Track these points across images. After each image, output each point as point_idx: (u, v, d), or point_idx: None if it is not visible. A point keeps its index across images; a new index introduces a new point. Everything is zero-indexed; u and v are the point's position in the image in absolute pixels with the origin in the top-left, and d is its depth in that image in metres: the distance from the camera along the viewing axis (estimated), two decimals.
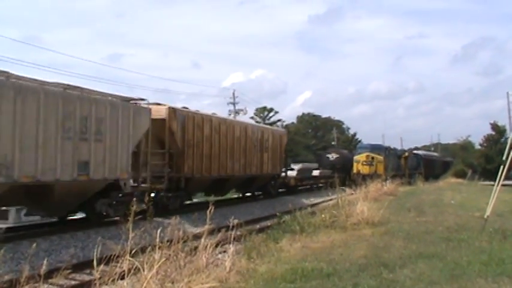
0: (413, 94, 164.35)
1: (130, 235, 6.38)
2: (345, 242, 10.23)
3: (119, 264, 6.34)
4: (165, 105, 18.31)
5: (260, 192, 28.09)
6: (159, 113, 17.41)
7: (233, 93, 62.08)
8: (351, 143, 74.59)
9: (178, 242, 6.92)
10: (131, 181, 15.54)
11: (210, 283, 6.33)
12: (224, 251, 9.10)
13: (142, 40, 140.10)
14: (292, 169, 32.81)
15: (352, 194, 19.83)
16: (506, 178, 11.70)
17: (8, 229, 13.57)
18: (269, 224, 16.37)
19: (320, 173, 36.88)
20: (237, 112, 61.52)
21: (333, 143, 78.54)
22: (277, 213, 15.09)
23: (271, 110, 79.64)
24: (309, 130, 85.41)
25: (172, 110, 18.17)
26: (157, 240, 6.72)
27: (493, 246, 9.06)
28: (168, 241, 6.88)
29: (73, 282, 9.28)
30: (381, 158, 38.90)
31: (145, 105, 16.33)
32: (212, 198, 23.72)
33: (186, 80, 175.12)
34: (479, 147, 59.73)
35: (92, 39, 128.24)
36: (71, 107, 12.77)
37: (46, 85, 12.62)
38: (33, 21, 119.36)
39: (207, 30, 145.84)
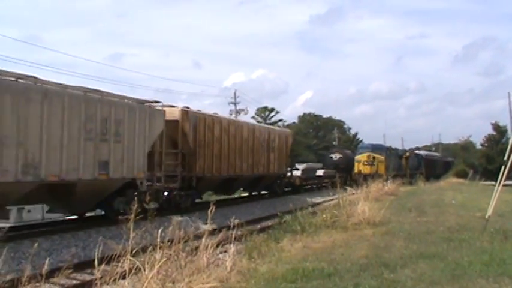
0: (415, 94, 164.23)
1: (132, 235, 6.38)
2: (346, 242, 10.23)
3: (119, 264, 6.33)
4: (178, 107, 19.05)
5: (263, 192, 28.57)
6: (173, 114, 18.00)
7: (234, 93, 62.07)
8: (352, 143, 74.55)
9: (179, 242, 6.92)
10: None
11: (211, 283, 6.34)
12: (225, 251, 9.10)
13: (143, 40, 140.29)
14: (297, 169, 33.46)
15: (353, 194, 19.82)
16: (508, 178, 11.67)
17: (9, 228, 13.57)
18: (270, 223, 16.38)
19: (324, 172, 37.30)
20: (238, 112, 61.49)
21: (334, 143, 78.50)
22: (278, 213, 15.10)
23: (272, 110, 79.65)
24: (310, 130, 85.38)
25: (185, 112, 18.86)
26: (159, 240, 6.72)
27: (494, 246, 9.05)
28: (169, 241, 6.88)
29: (74, 282, 9.29)
30: (382, 158, 38.92)
31: (160, 107, 17.01)
32: (214, 197, 24.00)
33: (187, 80, 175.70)
34: (480, 147, 59.88)
35: (93, 39, 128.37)
36: (92, 110, 13.37)
37: (69, 88, 13.15)
38: (34, 21, 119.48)
39: (208, 30, 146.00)
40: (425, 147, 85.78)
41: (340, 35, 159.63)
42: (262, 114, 78.17)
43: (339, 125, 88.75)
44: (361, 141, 73.18)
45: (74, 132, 12.75)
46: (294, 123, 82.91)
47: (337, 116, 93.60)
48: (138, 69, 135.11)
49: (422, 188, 32.10)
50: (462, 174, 47.76)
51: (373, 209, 13.70)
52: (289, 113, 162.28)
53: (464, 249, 8.89)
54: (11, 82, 11.49)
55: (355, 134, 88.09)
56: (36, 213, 17.68)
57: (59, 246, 12.05)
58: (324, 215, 13.45)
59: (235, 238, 9.12)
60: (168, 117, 17.23)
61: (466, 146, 66.55)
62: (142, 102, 16.23)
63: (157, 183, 16.60)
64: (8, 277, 7.49)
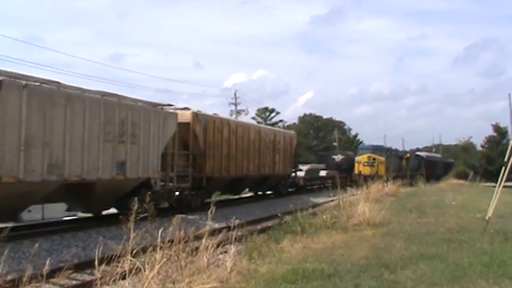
0: (415, 95, 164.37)
1: (132, 235, 6.39)
2: (346, 242, 10.23)
3: (120, 264, 6.34)
4: (189, 109, 19.65)
5: (267, 192, 29.12)
6: (184, 117, 18.62)
7: (235, 94, 62.15)
8: (352, 144, 74.57)
9: (179, 243, 6.92)
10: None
11: (211, 283, 6.34)
12: (225, 252, 9.10)
13: (144, 40, 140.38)
14: (300, 170, 34.06)
15: (353, 194, 19.82)
16: (508, 180, 11.67)
17: (10, 228, 13.57)
18: (270, 224, 16.37)
19: (327, 173, 37.74)
20: (238, 112, 61.55)
21: (334, 144, 78.53)
22: (279, 214, 15.09)
23: (272, 110, 79.70)
24: (310, 131, 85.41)
25: (196, 115, 19.49)
26: (159, 240, 6.72)
27: (495, 247, 9.05)
28: (169, 241, 6.88)
29: (74, 282, 9.28)
30: (382, 159, 38.95)
31: (172, 110, 17.74)
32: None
33: (187, 80, 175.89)
34: (480, 148, 59.75)
35: (93, 39, 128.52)
36: (110, 113, 13.97)
37: (88, 92, 13.69)
38: (34, 21, 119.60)
39: (208, 30, 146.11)
40: (426, 148, 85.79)
41: (341, 35, 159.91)
42: (263, 115, 78.21)
43: (339, 125, 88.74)
44: (361, 142, 73.23)
45: (94, 134, 13.33)
46: (294, 124, 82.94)
47: (337, 117, 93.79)
48: (138, 69, 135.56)
49: (422, 189, 32.11)
50: (462, 176, 47.70)
51: (374, 210, 13.70)
52: (290, 113, 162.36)
53: (465, 250, 8.89)
54: (38, 87, 11.98)
55: (356, 135, 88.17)
56: (36, 213, 17.81)
57: (59, 246, 12.05)
58: (324, 216, 13.45)
59: (235, 239, 9.13)
60: (180, 119, 17.78)
61: (467, 147, 66.43)
62: (156, 105, 16.88)
63: (170, 183, 17.30)
64: (9, 277, 7.48)
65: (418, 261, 7.98)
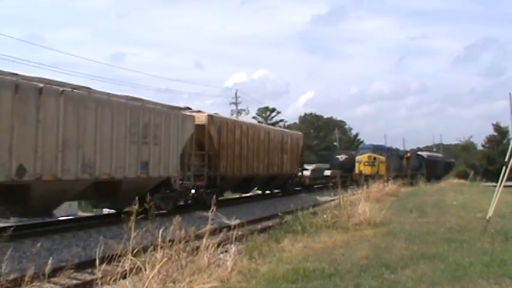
0: (416, 95, 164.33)
1: (132, 234, 6.39)
2: (347, 242, 10.23)
3: (120, 264, 6.34)
4: (204, 112, 20.81)
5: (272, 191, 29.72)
6: (200, 119, 19.65)
7: (235, 93, 62.31)
8: (353, 144, 74.55)
9: (180, 242, 6.93)
10: None
11: (211, 283, 6.34)
12: (226, 251, 9.10)
13: (144, 40, 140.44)
14: (306, 169, 34.90)
15: (354, 194, 19.83)
16: (508, 179, 11.66)
17: (10, 228, 13.59)
18: (271, 224, 16.39)
19: (331, 172, 38.23)
20: (239, 112, 61.61)
21: (334, 143, 78.55)
22: (279, 213, 15.09)
23: (273, 110, 79.79)
24: (311, 130, 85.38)
25: (211, 117, 20.69)
26: (159, 239, 6.72)
27: (495, 247, 9.04)
28: (170, 241, 6.89)
29: (75, 282, 9.29)
30: (383, 158, 38.93)
31: (190, 113, 18.99)
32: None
33: (188, 80, 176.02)
34: (481, 148, 59.78)
35: (94, 39, 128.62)
36: (135, 116, 14.97)
37: (113, 97, 14.69)
38: (35, 21, 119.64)
39: (209, 30, 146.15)
40: (427, 148, 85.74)
41: (341, 35, 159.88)
42: (263, 115, 78.26)
43: (340, 125, 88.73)
44: (362, 141, 73.15)
45: (120, 135, 14.31)
46: (295, 123, 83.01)
47: (338, 117, 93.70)
48: (139, 69, 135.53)
49: (423, 188, 32.07)
50: (463, 175, 47.66)
51: (374, 209, 13.69)
52: (291, 113, 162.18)
53: (465, 250, 8.88)
54: (73, 92, 12.85)
55: (356, 135, 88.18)
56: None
57: (59, 245, 12.05)
58: (324, 215, 13.44)
59: (236, 238, 9.13)
60: (196, 121, 18.80)
61: (467, 147, 66.43)
62: (175, 108, 18.11)
63: (187, 182, 18.43)
64: (12, 276, 7.49)
65: (418, 260, 7.98)
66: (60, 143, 12.14)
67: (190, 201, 19.27)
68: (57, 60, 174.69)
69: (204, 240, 7.63)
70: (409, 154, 48.50)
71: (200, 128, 19.46)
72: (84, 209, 34.85)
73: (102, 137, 13.51)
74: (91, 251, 11.27)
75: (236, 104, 61.62)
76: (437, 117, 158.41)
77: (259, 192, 29.54)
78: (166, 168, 16.46)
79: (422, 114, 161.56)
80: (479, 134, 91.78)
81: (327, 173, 38.72)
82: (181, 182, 17.86)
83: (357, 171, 38.13)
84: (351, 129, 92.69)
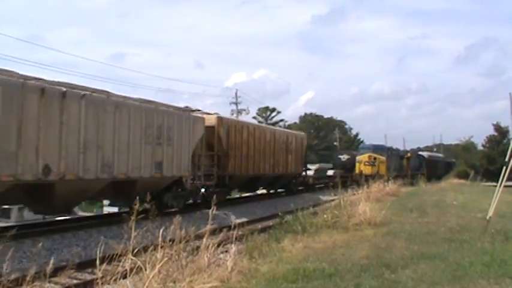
0: (416, 95, 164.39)
1: (133, 234, 6.39)
2: (347, 242, 10.23)
3: (121, 264, 6.34)
4: (213, 114, 21.45)
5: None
6: (210, 121, 20.29)
7: (236, 93, 62.26)
8: (353, 144, 74.52)
9: (180, 242, 6.93)
10: None
11: (211, 283, 6.34)
12: (226, 251, 9.11)
13: (144, 40, 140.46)
14: (309, 169, 35.62)
15: (354, 194, 19.82)
16: (509, 179, 11.65)
17: (11, 228, 13.60)
18: (271, 223, 16.38)
19: (334, 172, 38.50)
20: (239, 112, 61.59)
21: (335, 143, 78.52)
22: (280, 213, 15.09)
23: (273, 110, 79.78)
24: (311, 130, 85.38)
25: (220, 119, 21.34)
26: (160, 239, 6.72)
27: (495, 247, 9.04)
28: (170, 240, 6.89)
29: (75, 281, 9.29)
30: (383, 158, 38.90)
31: (200, 115, 19.55)
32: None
33: (189, 80, 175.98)
34: (481, 148, 59.67)
35: (94, 39, 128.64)
36: (150, 118, 15.54)
37: (129, 100, 15.12)
38: (35, 21, 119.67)
39: (209, 30, 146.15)
40: (427, 148, 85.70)
41: (341, 35, 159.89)
42: (264, 114, 78.25)
43: (340, 125, 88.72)
44: (362, 141, 73.12)
45: (136, 137, 14.91)
46: (295, 123, 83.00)
47: (338, 116, 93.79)
48: (139, 69, 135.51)
49: (423, 188, 32.07)
50: (463, 175, 47.65)
51: (374, 209, 13.69)
52: (291, 113, 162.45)
53: (465, 250, 8.88)
54: (93, 96, 13.33)
55: (357, 135, 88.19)
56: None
57: (60, 245, 12.06)
58: (325, 215, 13.44)
59: (236, 238, 9.13)
60: (206, 123, 19.43)
61: (467, 147, 66.39)
62: (186, 110, 18.59)
63: (198, 181, 19.07)
64: (13, 276, 7.49)
65: (418, 260, 7.98)
66: (81, 144, 12.72)
67: (199, 201, 19.72)
68: (57, 60, 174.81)
69: (204, 240, 7.63)
70: (409, 154, 48.48)
71: (210, 129, 20.01)
72: (84, 209, 34.83)
73: (119, 139, 14.07)
74: (91, 251, 11.28)
75: (236, 103, 61.63)
76: (438, 117, 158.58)
77: (259, 192, 29.69)
78: (178, 168, 17.07)
79: (423, 114, 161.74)
80: (480, 134, 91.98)
81: (330, 172, 39.18)
82: (192, 182, 18.46)
83: (357, 171, 38.07)
84: (351, 129, 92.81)
